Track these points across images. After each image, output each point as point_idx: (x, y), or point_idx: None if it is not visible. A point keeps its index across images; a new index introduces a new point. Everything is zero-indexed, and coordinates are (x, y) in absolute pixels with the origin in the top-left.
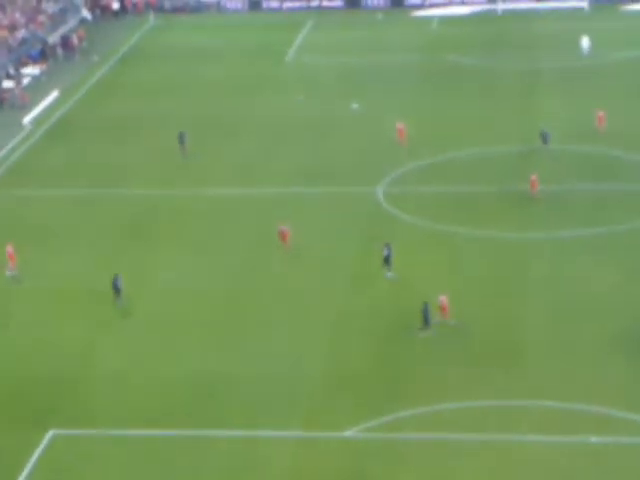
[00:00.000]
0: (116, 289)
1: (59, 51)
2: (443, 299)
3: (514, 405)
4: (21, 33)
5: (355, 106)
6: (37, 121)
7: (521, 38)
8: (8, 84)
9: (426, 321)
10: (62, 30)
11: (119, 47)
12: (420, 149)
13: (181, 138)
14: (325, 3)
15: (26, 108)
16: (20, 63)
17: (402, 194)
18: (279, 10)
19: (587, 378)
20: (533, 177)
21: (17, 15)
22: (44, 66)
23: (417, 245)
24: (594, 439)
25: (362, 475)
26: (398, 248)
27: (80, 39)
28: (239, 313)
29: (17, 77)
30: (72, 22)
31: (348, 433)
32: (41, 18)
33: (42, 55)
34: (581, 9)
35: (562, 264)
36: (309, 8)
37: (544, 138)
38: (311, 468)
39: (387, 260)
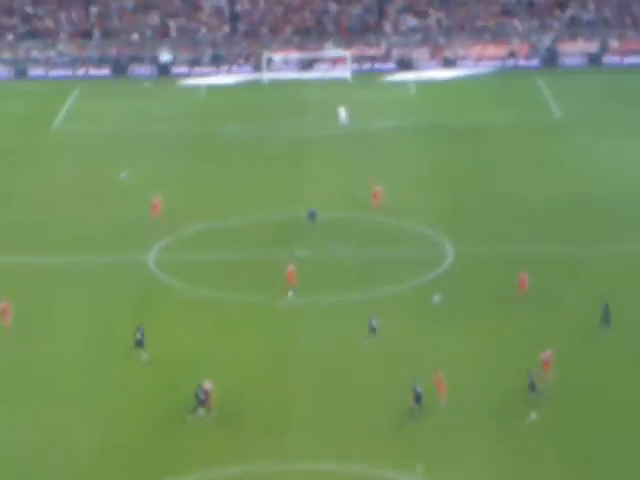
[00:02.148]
0: None
1: None
2: (208, 386)
3: (286, 470)
4: None
5: (125, 175)
6: None
7: (287, 107)
8: None
9: (201, 401)
10: None
11: None
12: (186, 218)
13: None
14: (92, 71)
15: None
16: None
17: (174, 262)
18: (45, 78)
19: (356, 440)
20: (290, 269)
21: None
22: None
23: (187, 315)
24: None
25: None
26: (166, 317)
27: None
28: (8, 386)
29: None
30: None
31: None
32: None
33: None
34: (345, 79)
35: (328, 328)
36: (75, 76)
37: (311, 217)
38: None
39: (140, 343)
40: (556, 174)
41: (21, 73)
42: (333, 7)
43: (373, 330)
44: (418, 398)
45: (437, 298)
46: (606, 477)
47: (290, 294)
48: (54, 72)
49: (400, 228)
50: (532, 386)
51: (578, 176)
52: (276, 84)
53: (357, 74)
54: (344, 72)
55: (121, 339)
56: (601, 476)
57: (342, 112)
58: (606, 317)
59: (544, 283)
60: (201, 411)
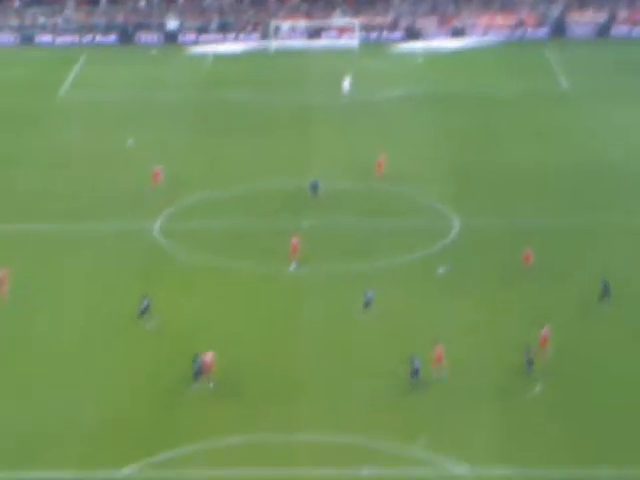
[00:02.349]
0: None
1: None
2: (208, 357)
3: (290, 440)
4: None
5: (131, 142)
6: None
7: (294, 76)
8: None
9: (197, 372)
10: None
11: None
12: (192, 186)
13: None
14: (98, 38)
15: None
16: None
17: (179, 230)
18: (52, 45)
19: (358, 412)
20: (295, 241)
21: None
22: None
23: (192, 283)
24: (365, 472)
25: None
26: (171, 285)
27: None
28: (9, 356)
29: None
30: None
31: (124, 472)
32: None
33: None
34: (352, 48)
35: (332, 299)
36: (82, 43)
37: (314, 188)
38: None
39: (146, 310)
40: (563, 144)
41: (27, 40)
42: None
43: (368, 304)
44: (416, 372)
45: (442, 269)
46: (606, 449)
47: (293, 266)
48: (61, 39)
49: (406, 198)
50: (529, 363)
51: (585, 146)
52: (283, 52)
53: (365, 43)
54: (352, 41)
55: (126, 308)
56: (601, 448)
57: (346, 82)
58: (606, 291)
59: (550, 255)
60: (199, 382)
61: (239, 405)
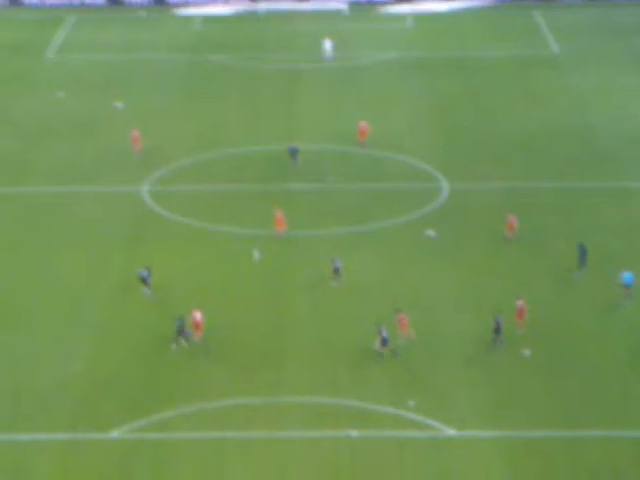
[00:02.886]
0: None
1: None
2: (197, 315)
3: (279, 403)
4: None
5: (119, 105)
6: None
7: (282, 39)
8: None
9: (181, 334)
10: None
11: None
12: (180, 149)
13: None
14: (87, 0)
15: None
16: None
17: (167, 194)
18: (40, 6)
19: (345, 376)
20: (279, 215)
21: None
22: None
23: (181, 246)
24: (354, 433)
25: (129, 476)
26: (164, 248)
27: None
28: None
29: None
30: None
31: (114, 434)
32: None
33: None
34: (341, 11)
35: (319, 263)
36: (71, 5)
37: (293, 154)
38: (77, 471)
39: (146, 281)
40: (553, 108)
41: (16, 0)
42: None
43: (337, 271)
44: (384, 341)
45: (429, 233)
46: (591, 411)
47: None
48: (49, 0)
49: (393, 163)
50: (497, 330)
51: (575, 110)
52: (273, 15)
53: (354, 5)
54: (340, 3)
55: (116, 270)
56: (586, 410)
57: (328, 44)
58: (583, 256)
59: (535, 220)
60: (183, 342)
61: (226, 368)
